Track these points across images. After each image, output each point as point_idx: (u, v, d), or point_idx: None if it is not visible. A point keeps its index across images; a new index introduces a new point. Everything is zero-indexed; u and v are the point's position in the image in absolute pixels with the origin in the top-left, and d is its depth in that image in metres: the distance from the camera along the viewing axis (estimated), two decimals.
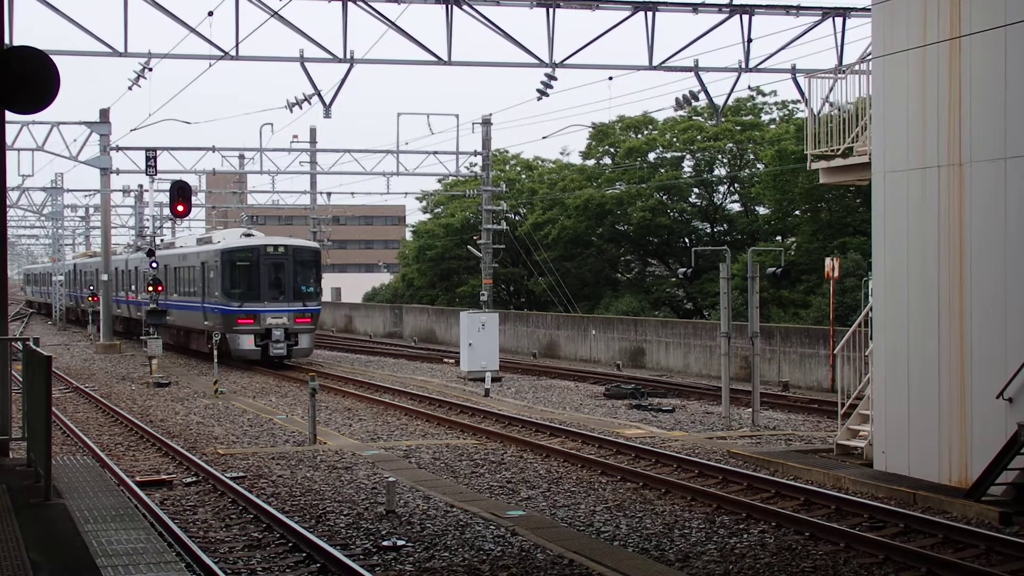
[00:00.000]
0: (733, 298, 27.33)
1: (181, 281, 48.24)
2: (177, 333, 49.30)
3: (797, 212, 54.59)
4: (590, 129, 64.37)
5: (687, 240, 62.06)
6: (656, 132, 63.36)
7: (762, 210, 59.43)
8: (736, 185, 61.32)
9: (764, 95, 60.73)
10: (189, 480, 19.60)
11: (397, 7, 28.08)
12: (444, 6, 28.18)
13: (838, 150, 21.46)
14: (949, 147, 18.25)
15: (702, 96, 32.72)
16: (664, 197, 61.22)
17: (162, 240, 60.77)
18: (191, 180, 56.28)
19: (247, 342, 41.38)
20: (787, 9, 30.11)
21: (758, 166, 57.98)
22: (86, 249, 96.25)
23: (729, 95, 33.52)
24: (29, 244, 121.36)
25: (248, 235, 46.14)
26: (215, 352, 35.22)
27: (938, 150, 18.46)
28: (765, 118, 61.33)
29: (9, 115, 14.65)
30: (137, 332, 52.72)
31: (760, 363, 27.77)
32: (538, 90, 31.40)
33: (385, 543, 14.94)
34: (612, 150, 65.43)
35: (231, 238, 45.97)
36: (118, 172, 54.34)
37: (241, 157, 63.85)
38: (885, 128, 19.62)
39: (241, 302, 42.00)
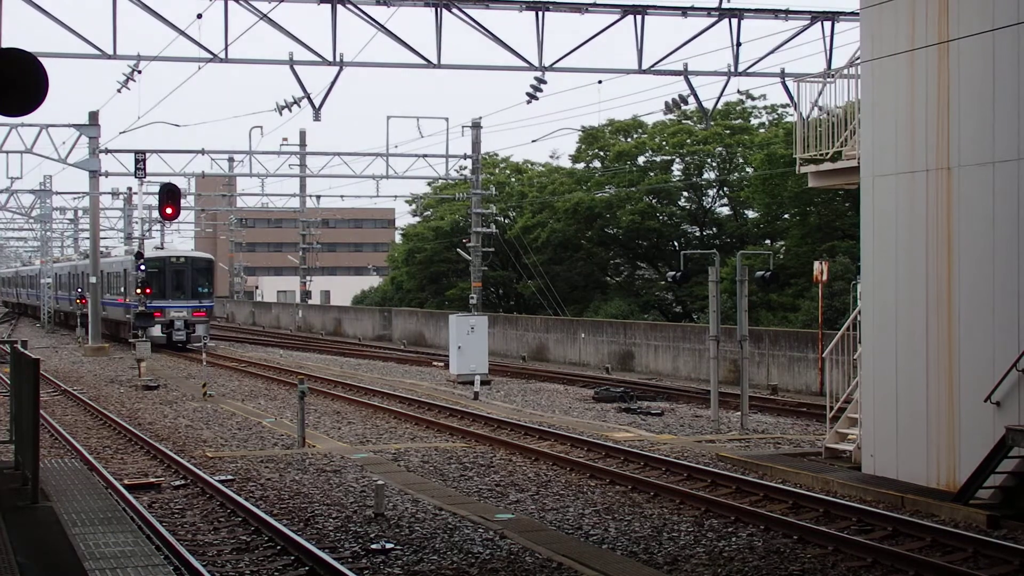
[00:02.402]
0: (722, 301, 27.38)
1: (112, 284, 59.38)
2: (110, 324, 59.54)
3: (786, 216, 54.71)
4: (580, 132, 64.47)
5: (676, 243, 62.15)
6: (645, 136, 63.46)
7: (751, 214, 59.56)
8: (725, 189, 61.44)
9: (753, 99, 60.92)
10: (177, 483, 19.56)
11: (386, 10, 28.10)
12: (434, 9, 28.20)
13: (827, 154, 21.50)
14: (937, 151, 18.30)
15: (691, 100, 32.80)
16: (653, 200, 61.31)
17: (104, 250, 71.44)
18: (180, 183, 56.29)
19: (156, 330, 50.83)
20: (776, 13, 30.17)
21: (747, 170, 58.11)
22: (74, 252, 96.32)
23: (718, 99, 33.58)
24: (18, 247, 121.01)
25: (159, 248, 58.51)
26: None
27: (926, 154, 18.51)
28: (754, 122, 61.48)
29: None
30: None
31: (749, 366, 27.80)
32: (528, 93, 31.45)
33: (374, 546, 14.93)
34: (602, 153, 65.53)
35: (146, 250, 55.13)
36: (107, 174, 54.31)
37: (230, 160, 63.83)
38: (874, 132, 19.66)
39: (152, 300, 51.40)
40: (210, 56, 28.06)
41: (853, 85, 21.09)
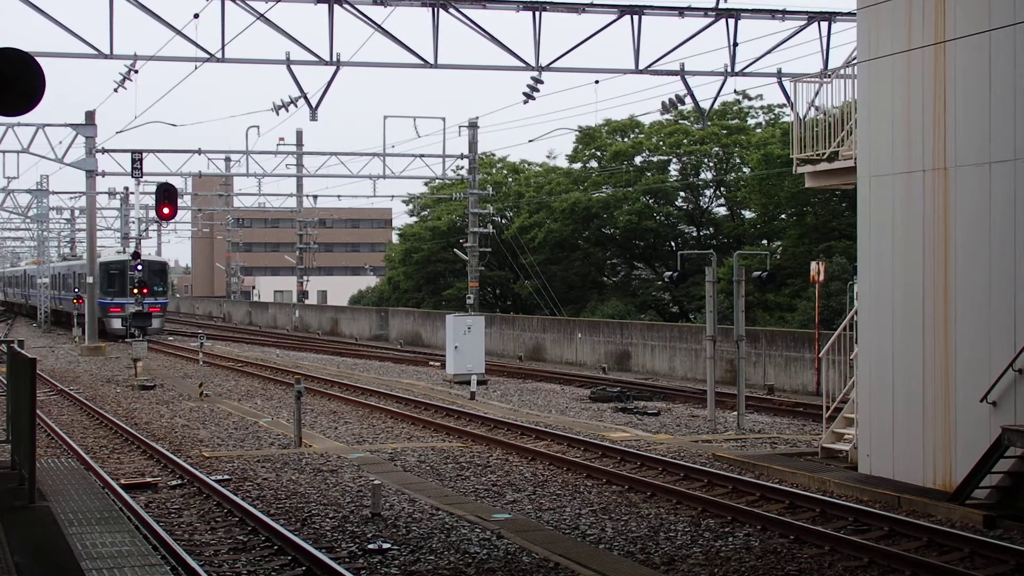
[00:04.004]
0: (719, 302, 27.38)
1: (81, 285, 64.72)
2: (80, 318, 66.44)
3: (783, 216, 54.75)
4: (576, 132, 64.49)
5: (673, 244, 62.19)
6: (642, 136, 63.48)
7: (748, 214, 59.59)
8: (722, 189, 61.47)
9: (750, 99, 60.94)
10: (174, 483, 19.56)
11: (383, 10, 28.11)
12: (430, 9, 28.20)
13: (824, 154, 21.52)
14: (934, 151, 18.32)
15: (688, 100, 32.81)
16: (650, 201, 61.33)
17: (69, 253, 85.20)
18: (177, 182, 56.33)
19: (117, 323, 60.91)
20: (773, 13, 30.19)
21: (744, 170, 58.14)
22: (71, 251, 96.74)
23: (715, 99, 33.60)
24: (15, 246, 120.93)
25: (120, 253, 67.17)
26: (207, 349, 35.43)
27: (923, 154, 18.53)
28: (751, 122, 61.50)
29: None
30: (62, 321, 72.94)
31: (745, 366, 27.82)
32: (524, 93, 31.49)
33: (371, 546, 14.93)
34: (598, 153, 65.54)
35: (110, 255, 65.50)
36: (104, 174, 54.36)
37: (227, 160, 63.83)
38: (870, 132, 19.68)
39: (113, 297, 61.43)
40: (207, 56, 28.06)
41: (850, 85, 21.10)
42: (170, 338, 62.70)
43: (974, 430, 17.32)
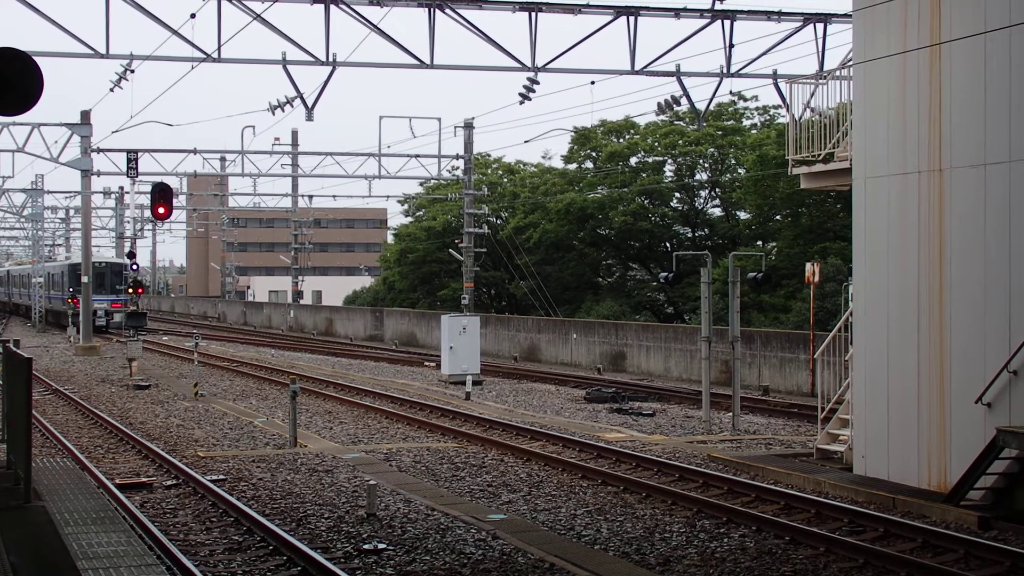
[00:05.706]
0: (714, 302, 27.39)
1: (54, 283, 75.95)
2: (56, 314, 74.95)
3: (778, 217, 54.81)
4: (572, 133, 64.51)
5: (668, 244, 62.23)
6: (638, 136, 63.51)
7: (743, 215, 59.64)
8: (717, 190, 61.52)
9: (746, 100, 61.01)
10: (169, 483, 19.56)
11: (380, 10, 28.10)
12: (427, 9, 28.19)
13: (819, 155, 21.54)
14: (929, 153, 18.34)
15: (684, 101, 32.78)
16: (646, 201, 61.36)
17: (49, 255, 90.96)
18: (172, 182, 56.38)
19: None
20: (769, 14, 30.20)
21: (739, 171, 58.19)
22: (66, 251, 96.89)
23: (711, 100, 33.56)
24: (9, 245, 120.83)
25: None
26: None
27: (918, 156, 18.55)
28: (746, 123, 61.56)
29: None
30: (50, 318, 78.25)
31: (740, 367, 27.81)
32: (520, 94, 31.44)
33: (366, 546, 14.94)
34: (594, 154, 65.57)
35: (78, 256, 68.20)
36: (99, 174, 54.33)
37: (223, 159, 63.77)
38: (866, 134, 19.71)
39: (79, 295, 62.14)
40: (203, 56, 28.04)
41: (845, 87, 21.13)
42: (165, 338, 62.65)
43: (969, 431, 17.35)
